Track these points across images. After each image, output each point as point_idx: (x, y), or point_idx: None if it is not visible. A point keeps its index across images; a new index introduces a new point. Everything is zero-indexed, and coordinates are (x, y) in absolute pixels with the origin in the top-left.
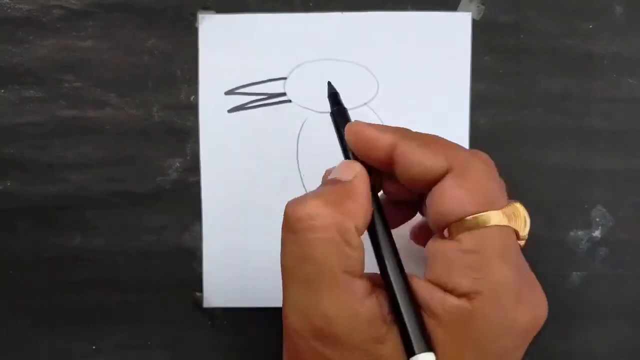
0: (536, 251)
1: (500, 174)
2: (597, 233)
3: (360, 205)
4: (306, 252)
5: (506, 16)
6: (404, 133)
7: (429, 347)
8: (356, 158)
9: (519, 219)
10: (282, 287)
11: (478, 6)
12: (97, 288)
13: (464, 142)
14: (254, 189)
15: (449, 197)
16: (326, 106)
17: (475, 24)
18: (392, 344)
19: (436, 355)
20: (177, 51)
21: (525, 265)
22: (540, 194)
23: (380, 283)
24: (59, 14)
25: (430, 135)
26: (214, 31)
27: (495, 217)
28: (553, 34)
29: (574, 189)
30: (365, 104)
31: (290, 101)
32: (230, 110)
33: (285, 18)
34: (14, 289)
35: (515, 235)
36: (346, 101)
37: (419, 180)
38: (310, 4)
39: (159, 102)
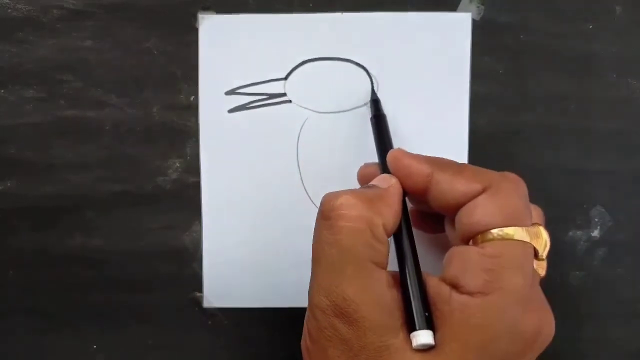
0: None
1: None
2: (596, 233)
3: (390, 208)
4: (336, 238)
5: (506, 16)
6: (439, 164)
7: (430, 326)
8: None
9: (541, 239)
10: (311, 266)
11: (478, 6)
12: (97, 288)
13: (464, 142)
14: (253, 189)
15: (479, 211)
16: (326, 106)
17: (475, 24)
18: (404, 336)
19: (435, 334)
20: (177, 51)
21: (538, 285)
22: (539, 193)
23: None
24: (59, 14)
25: (462, 163)
26: (214, 31)
27: (518, 233)
28: (553, 34)
29: (573, 189)
30: (365, 104)
31: (290, 101)
32: (231, 111)
33: (285, 18)
34: (14, 289)
35: (534, 253)
36: (346, 101)
37: (451, 203)
38: (310, 4)
39: (159, 102)
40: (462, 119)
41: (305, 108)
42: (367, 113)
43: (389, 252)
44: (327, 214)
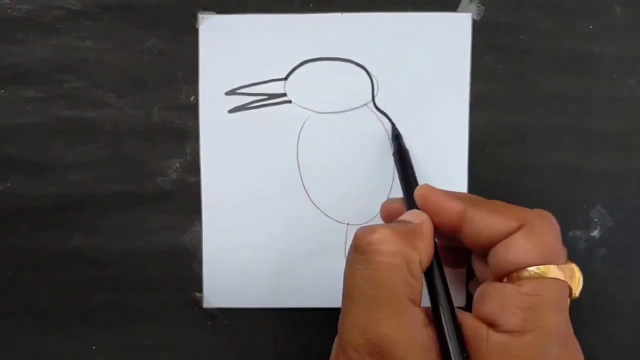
0: None
1: (500, 174)
2: (595, 233)
3: (425, 244)
4: (373, 274)
5: (506, 16)
6: (471, 200)
7: None
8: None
9: (574, 278)
10: (341, 303)
11: (478, 6)
12: (97, 288)
13: (464, 142)
14: (254, 189)
15: (517, 249)
16: (326, 106)
17: (475, 25)
18: None
19: None
20: (177, 51)
21: (569, 321)
22: (539, 194)
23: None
24: (59, 14)
25: (495, 201)
26: (214, 31)
27: (554, 271)
28: (553, 34)
29: (573, 189)
30: (365, 104)
31: (290, 101)
32: (231, 111)
33: (285, 18)
34: (13, 289)
35: (568, 292)
36: (346, 101)
37: (486, 241)
38: (310, 4)
39: (159, 102)
40: (463, 119)
41: (305, 108)
42: (368, 113)
43: (422, 289)
44: (363, 249)
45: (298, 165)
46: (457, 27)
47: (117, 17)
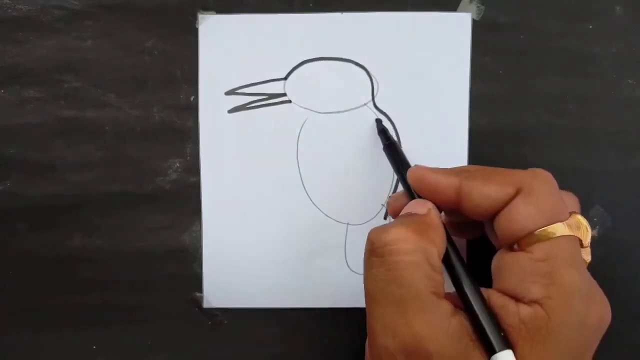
0: None
1: None
2: (595, 233)
3: (439, 234)
4: (394, 274)
5: (506, 16)
6: (464, 172)
7: (507, 345)
8: (419, 196)
9: (582, 229)
10: (366, 306)
11: (478, 6)
12: (97, 288)
13: (464, 142)
14: (253, 189)
15: (519, 216)
16: (326, 106)
17: (475, 24)
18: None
19: (515, 353)
20: (177, 51)
21: (587, 272)
22: None
23: (458, 304)
24: (59, 14)
25: (488, 168)
26: (214, 31)
27: (560, 229)
28: (553, 34)
29: (573, 189)
30: (365, 104)
31: (290, 101)
32: (230, 111)
33: (285, 18)
34: (13, 289)
35: (579, 244)
36: (346, 101)
37: (487, 211)
38: (310, 4)
39: (159, 102)
40: (462, 119)
41: (305, 108)
42: (367, 113)
43: (444, 278)
44: (379, 251)
45: (298, 165)
46: (457, 27)
47: (117, 17)
